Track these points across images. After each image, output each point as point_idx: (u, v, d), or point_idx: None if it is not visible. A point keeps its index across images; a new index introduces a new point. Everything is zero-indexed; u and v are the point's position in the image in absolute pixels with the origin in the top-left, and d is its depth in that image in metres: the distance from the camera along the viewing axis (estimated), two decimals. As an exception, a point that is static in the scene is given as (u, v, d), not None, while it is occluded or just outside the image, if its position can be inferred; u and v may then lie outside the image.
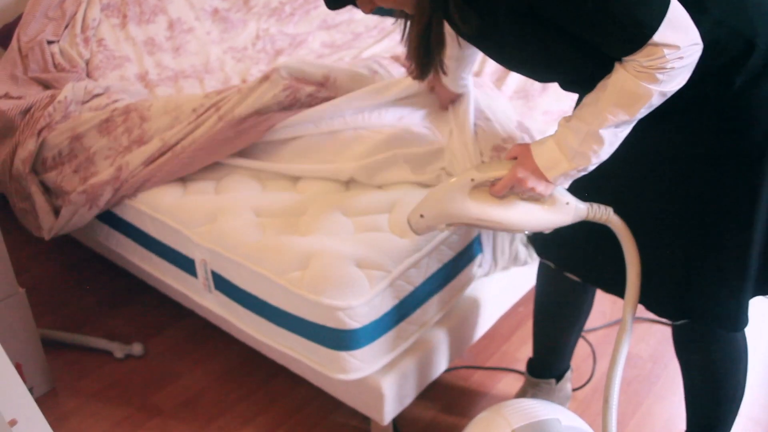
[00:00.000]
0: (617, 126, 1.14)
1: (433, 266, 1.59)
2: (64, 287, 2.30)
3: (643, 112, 1.13)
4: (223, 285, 1.68)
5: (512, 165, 1.22)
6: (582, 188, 1.31)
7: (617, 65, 1.11)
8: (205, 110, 1.85)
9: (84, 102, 2.05)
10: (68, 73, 2.20)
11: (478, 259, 1.73)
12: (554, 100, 2.03)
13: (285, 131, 1.80)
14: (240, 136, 1.78)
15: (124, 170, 1.81)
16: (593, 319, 2.15)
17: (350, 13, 2.90)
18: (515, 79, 2.23)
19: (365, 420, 1.80)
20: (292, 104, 1.81)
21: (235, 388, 1.92)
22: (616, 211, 1.30)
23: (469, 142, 1.69)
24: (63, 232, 1.95)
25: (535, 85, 2.21)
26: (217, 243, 1.64)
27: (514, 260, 1.79)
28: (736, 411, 1.50)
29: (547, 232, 1.33)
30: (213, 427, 1.81)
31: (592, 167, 1.20)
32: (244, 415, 1.84)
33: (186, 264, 1.76)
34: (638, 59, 1.06)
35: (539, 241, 1.57)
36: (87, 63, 2.34)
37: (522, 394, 1.80)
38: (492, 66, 2.34)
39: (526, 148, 1.23)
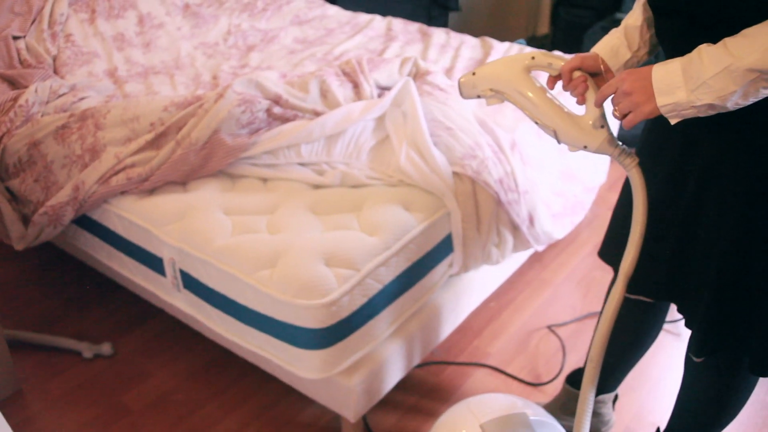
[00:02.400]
0: (764, 73, 0.96)
1: (402, 265, 1.59)
2: (31, 287, 2.27)
3: None
4: (191, 284, 1.67)
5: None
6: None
7: None
8: (163, 130, 1.81)
9: (48, 101, 2.01)
10: (34, 69, 2.16)
11: (449, 258, 1.74)
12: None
13: (251, 161, 1.80)
14: (207, 163, 1.76)
15: (81, 189, 1.78)
16: (563, 314, 2.17)
17: (323, 8, 2.89)
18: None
19: (336, 417, 1.80)
20: (251, 121, 1.79)
21: (205, 387, 1.91)
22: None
23: (429, 157, 1.71)
24: (34, 245, 1.93)
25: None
26: (185, 241, 1.63)
27: (487, 259, 1.80)
28: (725, 426, 1.46)
29: (560, 143, 1.24)
30: (183, 427, 1.80)
31: (707, 111, 1.03)
32: (214, 414, 1.83)
33: (154, 263, 1.74)
34: None
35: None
36: (54, 59, 2.31)
37: (555, 404, 1.75)
38: (465, 60, 2.34)
39: (648, 67, 1.09)
